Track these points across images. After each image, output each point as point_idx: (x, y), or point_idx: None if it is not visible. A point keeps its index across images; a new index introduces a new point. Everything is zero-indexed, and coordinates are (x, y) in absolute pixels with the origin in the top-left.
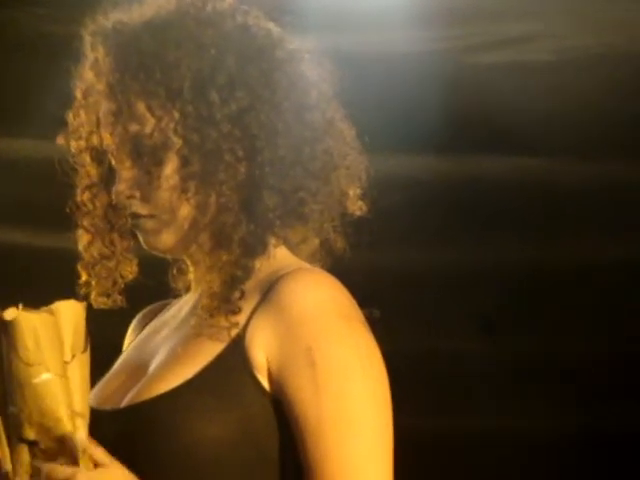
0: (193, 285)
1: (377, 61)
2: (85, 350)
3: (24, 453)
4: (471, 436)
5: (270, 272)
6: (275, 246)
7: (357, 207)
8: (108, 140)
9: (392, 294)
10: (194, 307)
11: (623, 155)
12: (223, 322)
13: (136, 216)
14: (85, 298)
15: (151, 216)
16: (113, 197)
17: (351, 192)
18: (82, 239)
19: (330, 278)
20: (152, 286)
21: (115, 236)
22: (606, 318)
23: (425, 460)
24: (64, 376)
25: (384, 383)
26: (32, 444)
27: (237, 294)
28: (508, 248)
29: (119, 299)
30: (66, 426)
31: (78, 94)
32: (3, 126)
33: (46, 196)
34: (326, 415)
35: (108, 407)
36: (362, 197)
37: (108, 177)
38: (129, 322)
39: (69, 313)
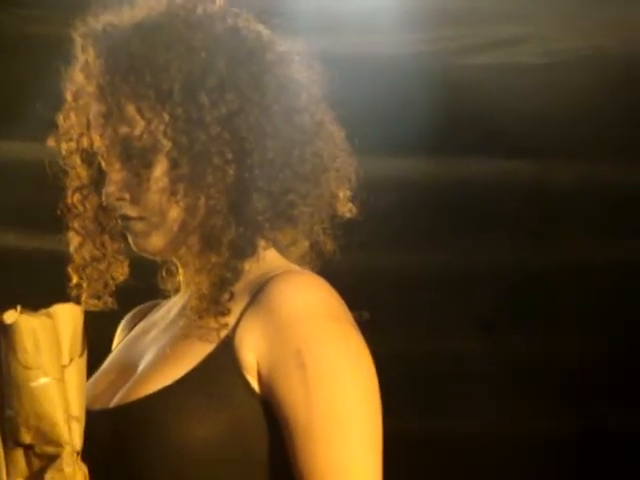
0: (182, 287)
1: (368, 63)
2: (82, 354)
3: (19, 457)
4: (467, 437)
5: (260, 274)
6: (265, 248)
7: (347, 209)
8: (98, 142)
9: (383, 296)
10: (183, 308)
11: (614, 156)
12: (212, 323)
13: (126, 218)
14: (76, 300)
15: (141, 218)
16: (103, 199)
17: (341, 194)
18: (73, 241)
19: (319, 280)
20: (142, 288)
21: (106, 238)
22: (599, 319)
23: (423, 461)
24: (61, 380)
25: (374, 385)
26: (27, 448)
27: (226, 296)
28: (500, 250)
29: (110, 301)
30: (62, 431)
31: (68, 96)
32: None
33: (36, 198)
34: (316, 417)
35: (97, 407)
36: (352, 199)
37: (98, 179)
38: (116, 324)
39: (67, 316)
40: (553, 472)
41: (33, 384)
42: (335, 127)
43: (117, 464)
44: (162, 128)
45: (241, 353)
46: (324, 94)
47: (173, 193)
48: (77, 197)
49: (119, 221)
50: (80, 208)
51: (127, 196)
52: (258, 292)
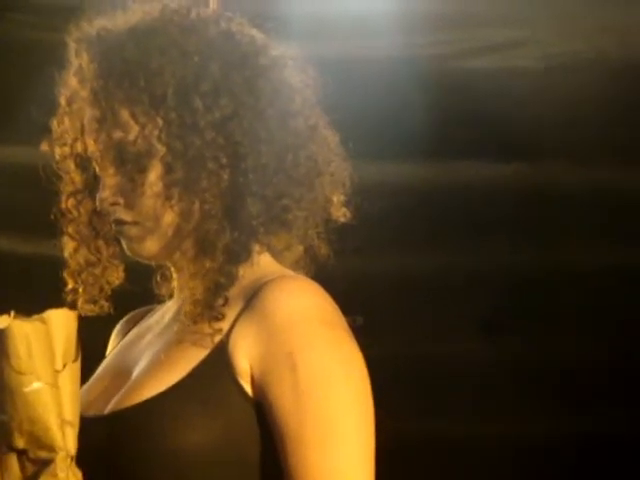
0: (176, 292)
1: (364, 67)
2: (76, 359)
3: (13, 462)
4: (467, 440)
5: (254, 279)
6: (259, 253)
7: (341, 213)
8: (92, 147)
9: (378, 301)
10: (177, 313)
11: (612, 159)
12: (206, 329)
13: (120, 223)
14: (72, 305)
15: (135, 223)
16: (97, 204)
17: (335, 198)
18: (68, 246)
19: (313, 285)
20: (138, 292)
21: (101, 243)
22: (598, 321)
23: (423, 464)
24: (55, 385)
25: (366, 390)
26: (21, 453)
27: (220, 301)
28: (496, 253)
29: (106, 306)
30: (55, 435)
31: (62, 101)
32: None
33: (31, 203)
34: (307, 421)
35: (91, 413)
36: (347, 203)
37: (93, 184)
38: (110, 329)
39: (61, 322)
40: (553, 474)
41: (26, 389)
42: (329, 131)
43: (112, 470)
44: (156, 133)
45: (235, 358)
46: (318, 98)
47: (167, 198)
48: (71, 202)
49: (113, 226)
50: (74, 213)
51: (121, 201)
52: (252, 297)
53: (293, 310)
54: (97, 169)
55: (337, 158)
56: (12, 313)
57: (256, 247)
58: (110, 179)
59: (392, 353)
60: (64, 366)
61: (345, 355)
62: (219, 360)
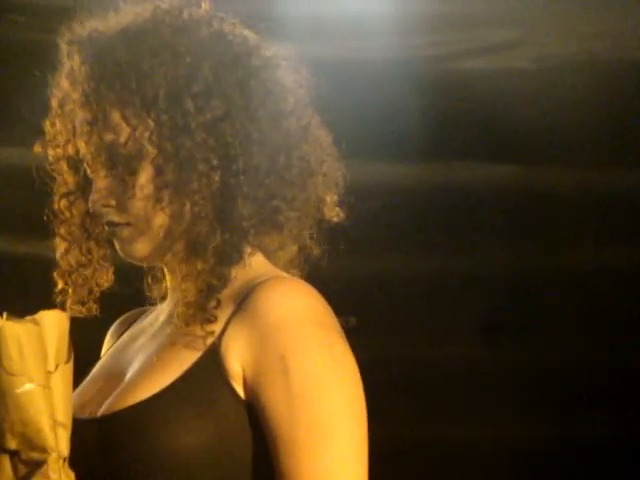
0: (169, 293)
1: (359, 68)
2: (69, 360)
3: (5, 463)
4: (464, 442)
5: (246, 280)
6: (251, 254)
7: (334, 213)
8: (84, 149)
9: (372, 302)
10: (170, 315)
11: (607, 161)
12: (199, 331)
13: (112, 224)
14: (61, 306)
15: (127, 224)
16: (89, 206)
17: (328, 198)
18: (59, 247)
19: (306, 286)
20: (128, 294)
21: (92, 244)
22: (596, 324)
23: (419, 467)
24: (47, 386)
25: (358, 392)
26: (13, 454)
27: (213, 303)
28: (491, 255)
29: (94, 307)
30: (47, 437)
31: (54, 103)
32: None
33: (23, 204)
34: (299, 423)
35: (85, 415)
36: (339, 203)
37: (85, 185)
38: (105, 331)
39: (53, 323)
40: (550, 477)
41: (18, 391)
42: (322, 131)
43: (105, 472)
44: (147, 135)
45: (227, 360)
46: (313, 98)
47: (158, 200)
48: (63, 203)
49: (105, 227)
50: (66, 214)
51: (113, 203)
52: (244, 299)
53: (285, 311)
54: (89, 171)
55: (330, 158)
56: (4, 315)
57: (248, 248)
58: (102, 181)
59: (386, 355)
60: (56, 367)
61: (337, 357)
62: (211, 362)
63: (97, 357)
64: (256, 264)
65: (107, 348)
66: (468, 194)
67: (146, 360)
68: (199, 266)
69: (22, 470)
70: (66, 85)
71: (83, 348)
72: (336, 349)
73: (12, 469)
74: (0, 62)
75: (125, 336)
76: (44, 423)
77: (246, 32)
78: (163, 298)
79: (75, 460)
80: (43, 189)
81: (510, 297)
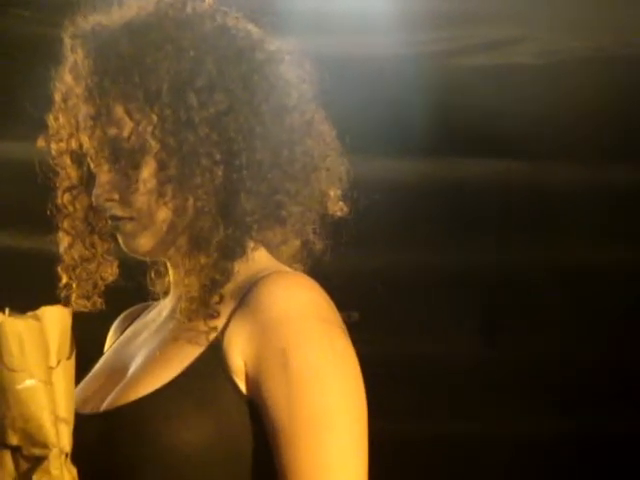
0: (172, 288)
1: (361, 64)
2: (70, 356)
3: (7, 459)
4: (464, 438)
5: (249, 275)
6: (254, 249)
7: (338, 208)
8: (87, 143)
9: (375, 297)
10: (173, 311)
11: (609, 158)
12: (201, 326)
13: (116, 219)
14: (65, 300)
15: (130, 219)
16: (93, 200)
17: (332, 193)
18: (62, 241)
19: (309, 281)
20: (132, 288)
21: (95, 238)
22: (596, 321)
23: (419, 463)
24: (48, 382)
25: (359, 387)
26: (15, 450)
27: (216, 298)
28: (491, 251)
29: (99, 302)
30: (49, 433)
31: (57, 97)
32: None
33: (27, 198)
34: (298, 418)
35: (87, 410)
36: (343, 198)
37: (88, 179)
38: (108, 326)
39: (55, 318)
40: (552, 473)
41: (19, 387)
42: (326, 126)
43: (107, 467)
44: (150, 129)
45: (229, 356)
46: (316, 93)
47: (161, 194)
48: (67, 197)
49: (109, 222)
50: (70, 208)
51: (116, 197)
52: (247, 294)
53: (287, 306)
54: (92, 165)
55: (333, 153)
56: (7, 310)
57: (251, 243)
58: (105, 175)
59: (388, 350)
60: (58, 363)
61: (338, 352)
62: (214, 358)
63: (100, 352)
64: (259, 259)
65: (110, 343)
66: (469, 189)
67: (148, 355)
68: (202, 261)
69: (24, 466)
70: (69, 79)
71: (86, 343)
72: (337, 344)
73: (14, 465)
74: (4, 56)
75: (128, 331)
76: (45, 419)
77: (250, 26)
78: (166, 293)
79: (77, 455)
80: (46, 184)
81: (514, 294)
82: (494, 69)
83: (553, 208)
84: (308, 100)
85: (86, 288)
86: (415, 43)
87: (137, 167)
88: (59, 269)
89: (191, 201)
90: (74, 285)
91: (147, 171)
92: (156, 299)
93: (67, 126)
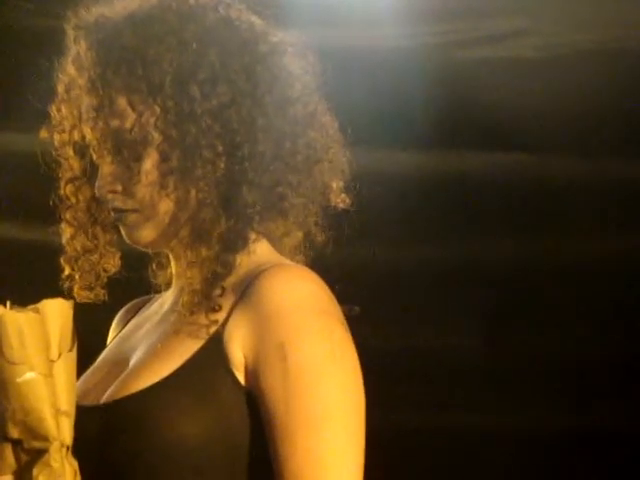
0: (174, 280)
1: (364, 56)
2: (72, 349)
3: (8, 452)
4: (464, 434)
5: (251, 268)
6: (256, 241)
7: (340, 200)
8: (90, 135)
9: (378, 290)
10: (175, 304)
11: (611, 152)
12: (203, 319)
13: (119, 210)
14: (68, 292)
15: (134, 210)
16: (95, 191)
17: (334, 185)
18: (65, 232)
19: (310, 274)
20: (135, 280)
21: (98, 229)
22: (600, 316)
23: (421, 457)
24: (49, 375)
25: (357, 381)
26: (16, 443)
27: (218, 291)
28: (495, 244)
29: (102, 293)
30: (49, 426)
31: (60, 88)
32: None
33: (29, 190)
34: (295, 411)
35: (88, 402)
36: (345, 190)
37: (91, 171)
38: (111, 318)
39: (56, 311)
40: (551, 472)
41: (19, 379)
42: (328, 118)
43: (107, 460)
44: (153, 121)
45: (230, 349)
46: (319, 85)
47: (163, 186)
48: (70, 188)
49: (112, 213)
50: (72, 200)
51: (119, 188)
52: (248, 287)
53: (287, 299)
54: (94, 157)
55: (336, 144)
56: (8, 303)
57: (253, 235)
58: (108, 167)
59: (391, 343)
60: (59, 356)
61: (337, 345)
62: (214, 351)
63: (103, 344)
64: (261, 251)
65: (113, 336)
66: (472, 182)
67: (149, 348)
68: (204, 253)
69: (24, 459)
70: (72, 70)
71: (89, 335)
72: (336, 337)
73: (14, 458)
74: (7, 48)
75: (131, 324)
76: (46, 412)
77: (253, 18)
78: (168, 285)
79: (77, 447)
80: (49, 175)
81: (518, 287)
82: (498, 62)
83: (556, 202)
84: (311, 92)
85: (88, 279)
86: (419, 35)
87: (139, 159)
88: (62, 260)
89: (193, 193)
90: (76, 276)
91: (149, 163)
92: (158, 291)
93: (70, 117)
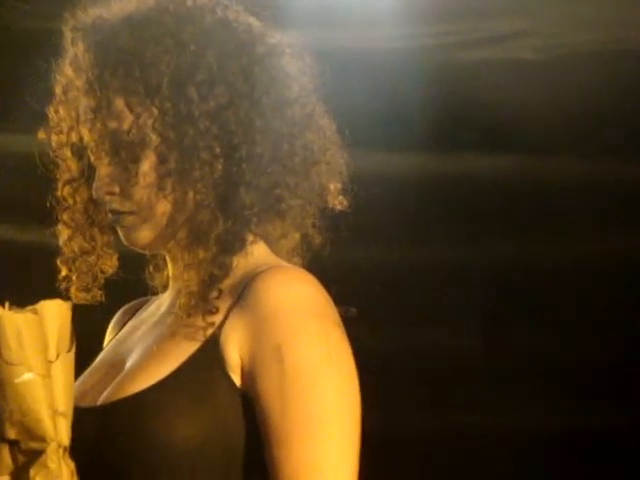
0: (171, 282)
1: (363, 57)
2: (70, 349)
3: (5, 452)
4: (463, 434)
5: (248, 270)
6: (253, 243)
7: (338, 202)
8: (87, 136)
9: (375, 292)
10: (172, 306)
11: (611, 152)
12: (199, 322)
13: (116, 212)
14: (65, 293)
15: (131, 212)
16: (93, 193)
17: (332, 186)
18: (62, 234)
19: (307, 275)
20: (132, 281)
21: (95, 231)
22: (598, 317)
23: (420, 458)
24: (47, 376)
25: (353, 384)
26: (13, 444)
27: (214, 293)
28: (494, 246)
29: (99, 294)
30: (47, 427)
31: (58, 90)
32: None
33: (27, 191)
34: (289, 412)
35: (85, 404)
36: (343, 192)
37: (89, 172)
38: (109, 319)
39: (54, 312)
40: (551, 470)
41: (17, 380)
42: (326, 119)
43: (103, 461)
44: (150, 123)
45: (226, 352)
46: (317, 87)
47: (161, 188)
48: (67, 190)
49: (109, 215)
50: (70, 201)
51: (117, 190)
52: (245, 289)
53: (284, 300)
54: (92, 158)
55: (333, 146)
56: (6, 304)
57: (250, 237)
58: (105, 168)
59: (388, 345)
60: (57, 357)
61: (333, 348)
62: (211, 353)
63: (101, 346)
64: (258, 253)
65: (110, 338)
66: (471, 184)
67: (146, 350)
68: (201, 255)
69: (21, 460)
70: (70, 72)
71: (86, 336)
72: (332, 340)
73: (11, 459)
74: (4, 49)
75: (128, 326)
76: (43, 413)
77: (250, 19)
78: (165, 287)
79: (75, 448)
80: (47, 176)
81: (518, 287)
82: (497, 63)
83: (556, 203)
84: (309, 93)
85: (86, 281)
86: (418, 36)
87: (137, 160)
88: (59, 262)
89: (191, 194)
90: (74, 278)
91: (147, 164)
92: (155, 293)
93: (67, 119)
